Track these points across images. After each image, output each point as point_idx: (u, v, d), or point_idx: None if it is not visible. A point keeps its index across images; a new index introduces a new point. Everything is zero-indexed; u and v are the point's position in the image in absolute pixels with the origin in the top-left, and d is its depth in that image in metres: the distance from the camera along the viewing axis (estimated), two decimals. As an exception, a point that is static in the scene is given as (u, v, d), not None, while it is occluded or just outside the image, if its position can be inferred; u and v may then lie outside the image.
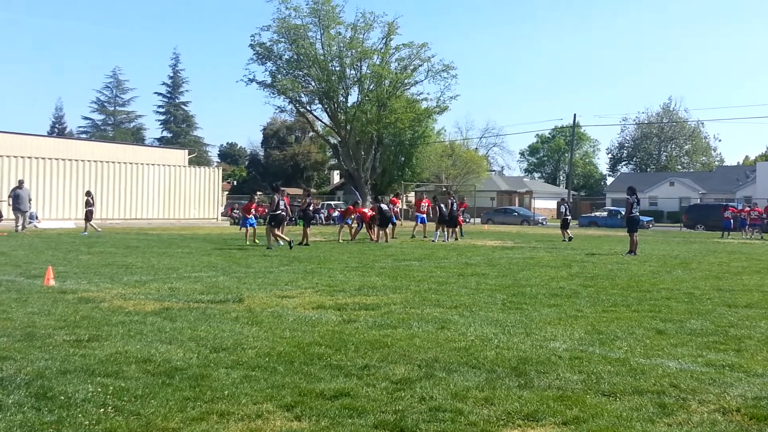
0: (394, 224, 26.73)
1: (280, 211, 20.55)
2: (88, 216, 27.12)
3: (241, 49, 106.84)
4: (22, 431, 4.21)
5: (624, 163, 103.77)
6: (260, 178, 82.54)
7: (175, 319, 7.93)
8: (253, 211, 23.55)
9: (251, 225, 22.85)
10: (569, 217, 30.00)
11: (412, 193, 69.85)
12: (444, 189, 29.42)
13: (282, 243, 20.25)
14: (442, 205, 26.07)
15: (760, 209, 37.37)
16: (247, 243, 21.94)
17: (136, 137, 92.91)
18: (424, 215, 28.94)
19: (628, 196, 20.99)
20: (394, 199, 30.65)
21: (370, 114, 53.52)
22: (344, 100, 54.79)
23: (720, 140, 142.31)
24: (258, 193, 22.24)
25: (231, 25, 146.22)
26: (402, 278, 12.73)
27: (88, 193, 28.03)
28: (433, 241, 25.11)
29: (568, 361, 6.17)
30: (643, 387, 5.39)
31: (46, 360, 5.85)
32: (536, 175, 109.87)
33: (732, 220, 36.44)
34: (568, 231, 28.91)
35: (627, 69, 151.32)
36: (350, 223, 26.26)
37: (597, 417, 4.65)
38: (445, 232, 26.07)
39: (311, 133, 77.31)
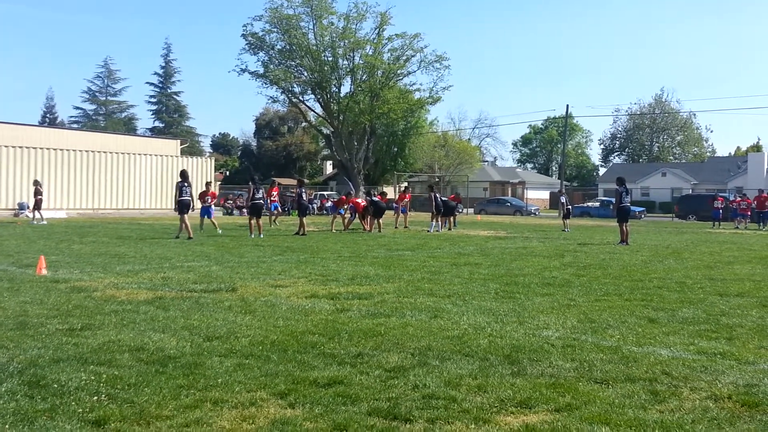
0: (405, 214, 28.29)
1: (258, 201, 20.97)
2: (38, 204, 26.94)
3: (233, 39, 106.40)
4: (15, 419, 4.20)
5: (616, 153, 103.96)
6: (253, 169, 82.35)
7: (168, 308, 7.92)
8: (209, 199, 23.78)
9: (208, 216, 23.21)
10: (570, 207, 30.49)
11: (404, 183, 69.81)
12: (428, 186, 29.72)
13: (253, 235, 20.31)
14: (437, 195, 26.17)
15: (749, 200, 37.53)
16: (219, 231, 22.08)
17: (127, 127, 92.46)
18: (405, 206, 29.27)
19: (618, 187, 21.08)
20: (402, 195, 30.73)
21: (362, 104, 53.44)
22: (337, 90, 54.70)
23: (712, 131, 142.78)
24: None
25: (223, 14, 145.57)
26: (395, 268, 12.74)
27: (37, 182, 27.81)
28: (428, 231, 25.17)
29: (561, 349, 6.19)
30: (636, 374, 5.42)
31: (39, 348, 5.84)
32: (529, 165, 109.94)
33: (721, 210, 36.61)
34: (566, 221, 29.13)
35: (619, 60, 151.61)
36: (343, 213, 26.28)
37: (589, 404, 4.68)
38: (439, 222, 26.13)
39: (304, 124, 77.16)
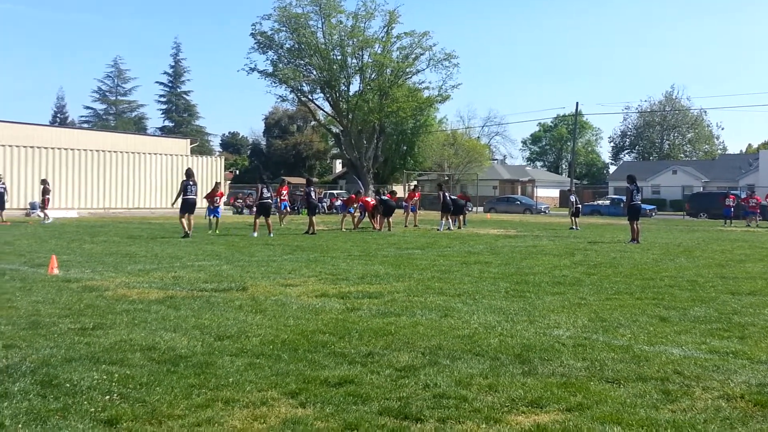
0: (414, 213, 28.60)
1: (266, 200, 20.94)
2: (45, 203, 27.01)
3: (242, 38, 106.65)
4: (28, 418, 4.22)
5: (626, 151, 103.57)
6: (262, 168, 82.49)
7: (179, 307, 7.94)
8: (217, 200, 23.63)
9: (215, 215, 23.06)
10: (580, 206, 30.39)
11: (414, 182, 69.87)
12: (437, 185, 29.88)
13: (257, 234, 20.30)
14: (447, 194, 26.17)
15: (758, 197, 37.30)
16: (217, 231, 21.98)
17: (137, 127, 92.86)
18: (415, 205, 29.42)
19: (628, 185, 21.00)
20: (411, 193, 30.80)
21: (371, 103, 53.46)
22: (346, 89, 54.74)
23: (723, 128, 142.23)
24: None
25: (232, 13, 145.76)
26: (405, 267, 12.74)
27: (44, 181, 27.89)
28: (438, 230, 25.17)
29: (572, 349, 6.17)
30: (647, 374, 5.39)
31: (51, 348, 5.87)
32: (538, 163, 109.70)
33: (733, 208, 36.44)
34: (575, 219, 28.90)
35: (629, 57, 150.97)
36: (353, 212, 26.30)
37: (601, 404, 4.66)
38: (449, 221, 26.14)
39: (313, 123, 77.30)
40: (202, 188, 39.27)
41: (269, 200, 21.28)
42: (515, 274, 11.79)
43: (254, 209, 24.32)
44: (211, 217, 23.14)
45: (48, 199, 27.23)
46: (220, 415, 4.35)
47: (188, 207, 19.30)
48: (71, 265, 12.02)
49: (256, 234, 20.19)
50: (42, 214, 27.31)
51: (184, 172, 20.06)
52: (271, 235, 20.31)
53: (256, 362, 5.54)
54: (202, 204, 24.20)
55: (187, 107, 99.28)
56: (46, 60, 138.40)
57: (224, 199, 26.91)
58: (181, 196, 19.46)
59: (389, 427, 4.19)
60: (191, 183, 19.47)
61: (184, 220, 19.19)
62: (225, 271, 11.48)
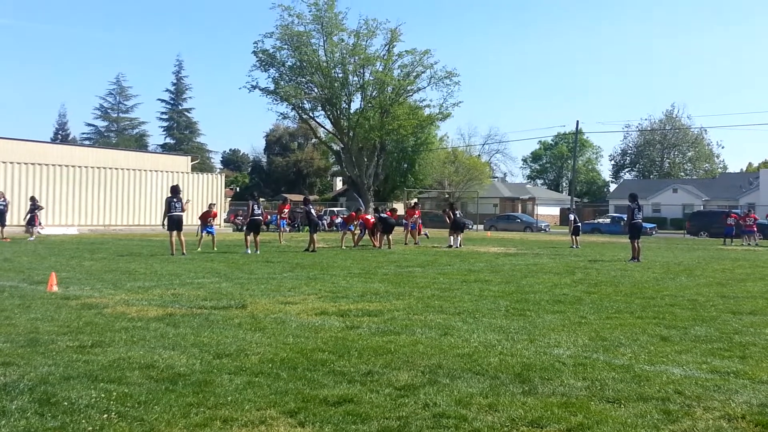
0: (414, 230, 28.87)
1: (256, 217, 21.10)
2: (32, 220, 27.06)
3: (244, 55, 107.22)
4: (25, 437, 4.20)
5: (627, 169, 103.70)
6: (263, 185, 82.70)
7: (178, 325, 7.92)
8: (211, 220, 23.51)
9: (209, 232, 22.94)
10: (580, 224, 30.44)
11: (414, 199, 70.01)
12: (449, 204, 30.11)
13: (249, 251, 20.34)
14: (453, 213, 26.81)
15: (754, 215, 37.28)
16: (215, 249, 21.90)
17: (139, 144, 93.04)
18: (415, 223, 29.49)
19: (630, 203, 21.02)
20: (411, 211, 30.78)
21: (372, 121, 53.59)
22: (347, 106, 54.89)
23: (723, 147, 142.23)
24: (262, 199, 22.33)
25: (234, 31, 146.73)
26: (405, 285, 12.71)
27: (33, 198, 27.99)
28: (449, 246, 25.48)
29: (572, 368, 6.15)
30: (648, 394, 5.37)
31: (50, 366, 5.84)
32: (539, 181, 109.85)
33: (734, 227, 36.47)
34: (576, 238, 28.84)
35: (630, 75, 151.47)
36: (353, 229, 26.31)
37: (601, 423, 4.63)
38: (458, 238, 26.44)
39: (314, 140, 77.44)
40: (203, 205, 39.26)
41: (259, 217, 21.39)
42: (515, 292, 11.77)
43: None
44: (204, 233, 22.99)
45: (37, 215, 27.27)
46: (219, 434, 4.33)
47: (173, 224, 19.09)
48: (70, 282, 12.00)
49: (249, 251, 20.20)
50: (41, 230, 27.30)
51: (170, 188, 19.91)
52: (255, 252, 20.26)
53: (255, 381, 5.52)
54: (190, 221, 23.99)
55: (188, 124, 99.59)
56: (49, 77, 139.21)
57: (221, 218, 26.74)
58: (165, 213, 19.35)
59: (388, 447, 4.16)
60: (176, 200, 19.22)
61: (173, 239, 19.10)
62: (224, 289, 11.46)
